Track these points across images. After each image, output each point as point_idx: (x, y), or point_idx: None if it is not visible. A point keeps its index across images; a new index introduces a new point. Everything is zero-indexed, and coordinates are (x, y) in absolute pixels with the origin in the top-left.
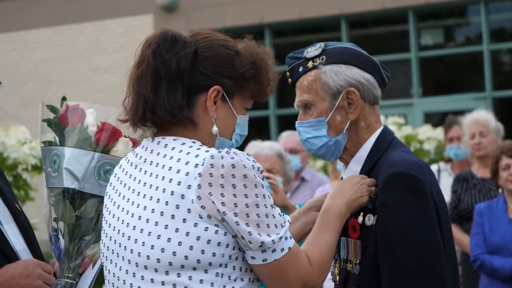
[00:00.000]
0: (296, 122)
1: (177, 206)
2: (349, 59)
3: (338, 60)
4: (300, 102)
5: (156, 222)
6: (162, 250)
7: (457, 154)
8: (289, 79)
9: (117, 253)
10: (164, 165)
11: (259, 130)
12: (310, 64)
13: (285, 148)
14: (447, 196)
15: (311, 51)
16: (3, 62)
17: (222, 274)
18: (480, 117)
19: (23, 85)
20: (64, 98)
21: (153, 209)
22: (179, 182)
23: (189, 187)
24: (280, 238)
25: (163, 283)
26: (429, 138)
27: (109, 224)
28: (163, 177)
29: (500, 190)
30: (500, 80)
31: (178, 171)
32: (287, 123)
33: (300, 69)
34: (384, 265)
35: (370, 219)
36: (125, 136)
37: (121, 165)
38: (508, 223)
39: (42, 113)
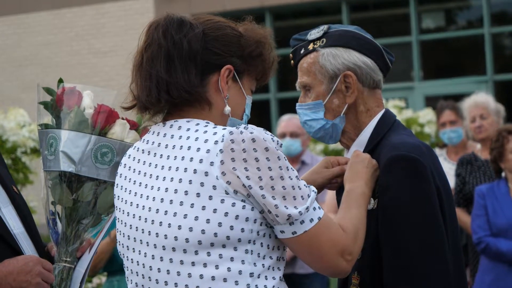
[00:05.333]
0: (297, 104)
1: (202, 184)
2: (349, 43)
3: (337, 43)
4: (299, 84)
5: (181, 202)
6: (190, 229)
7: (451, 138)
8: (292, 61)
9: (141, 240)
10: (181, 146)
11: (260, 113)
12: (311, 46)
13: (285, 131)
14: (449, 181)
15: (314, 33)
16: (4, 46)
17: (252, 251)
18: (479, 99)
19: (24, 68)
20: (60, 80)
21: (175, 190)
22: (201, 160)
23: (211, 164)
24: (307, 208)
25: (193, 263)
26: (429, 122)
27: (127, 212)
28: (183, 157)
29: (503, 174)
30: (501, 63)
31: (198, 149)
32: (288, 106)
33: (302, 51)
34: (385, 248)
35: (371, 203)
36: (122, 118)
37: (129, 155)
38: None
39: (39, 96)
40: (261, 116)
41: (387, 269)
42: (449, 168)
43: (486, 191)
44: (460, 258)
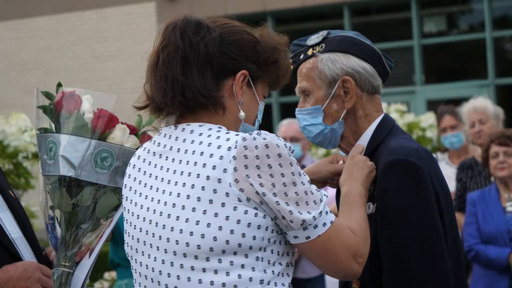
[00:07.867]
0: (296, 109)
1: (215, 191)
2: (347, 48)
3: (336, 48)
4: (299, 89)
5: (193, 208)
6: (202, 235)
7: (452, 142)
8: (292, 66)
9: (151, 244)
10: (194, 151)
11: (262, 117)
12: (310, 51)
13: (285, 136)
14: (450, 185)
15: (313, 38)
16: (6, 50)
17: (262, 258)
18: (478, 104)
19: (26, 73)
20: (59, 85)
21: (188, 195)
22: (214, 166)
23: (225, 170)
24: (320, 213)
25: (204, 269)
26: (431, 126)
27: (137, 215)
28: (195, 162)
29: (492, 178)
30: (503, 67)
31: (211, 155)
32: (290, 111)
33: (301, 56)
34: (384, 252)
35: (370, 208)
36: (121, 123)
37: (139, 156)
38: (502, 212)
39: (37, 100)
40: (263, 120)
41: (386, 273)
42: (451, 172)
43: (477, 198)
44: (460, 262)
